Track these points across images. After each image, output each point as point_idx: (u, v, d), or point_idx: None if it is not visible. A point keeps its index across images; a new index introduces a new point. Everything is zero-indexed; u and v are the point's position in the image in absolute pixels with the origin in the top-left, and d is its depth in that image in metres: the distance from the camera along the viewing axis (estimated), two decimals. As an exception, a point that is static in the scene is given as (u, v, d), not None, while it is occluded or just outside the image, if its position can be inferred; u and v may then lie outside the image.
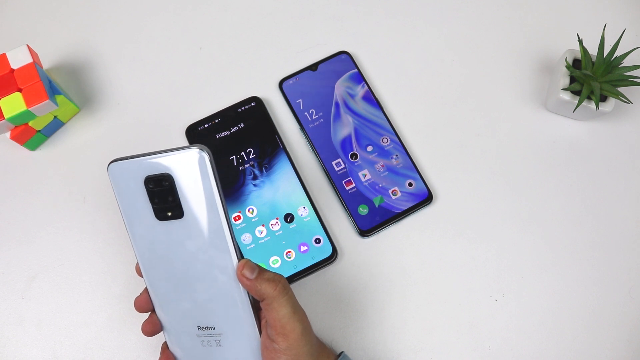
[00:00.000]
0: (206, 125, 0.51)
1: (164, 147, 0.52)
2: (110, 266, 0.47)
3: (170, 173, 0.31)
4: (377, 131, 0.51)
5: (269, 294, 0.33)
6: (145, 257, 0.34)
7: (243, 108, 0.51)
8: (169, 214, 0.32)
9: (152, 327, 0.36)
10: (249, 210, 0.48)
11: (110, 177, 0.32)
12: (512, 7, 0.57)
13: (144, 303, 0.36)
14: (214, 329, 0.35)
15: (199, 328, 0.35)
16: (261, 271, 0.34)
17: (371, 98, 0.52)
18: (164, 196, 0.31)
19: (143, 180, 0.31)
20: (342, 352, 0.40)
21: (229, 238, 0.32)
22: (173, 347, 0.36)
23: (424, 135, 0.51)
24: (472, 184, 0.50)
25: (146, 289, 0.35)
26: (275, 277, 0.34)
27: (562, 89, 0.49)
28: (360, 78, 0.53)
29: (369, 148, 0.50)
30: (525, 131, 0.52)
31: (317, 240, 0.47)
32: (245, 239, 0.47)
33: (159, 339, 0.37)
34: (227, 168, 0.49)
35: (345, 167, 0.49)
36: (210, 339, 0.35)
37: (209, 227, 0.32)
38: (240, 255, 0.33)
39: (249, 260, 0.33)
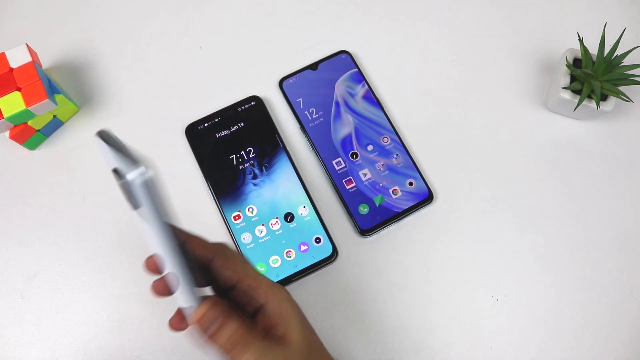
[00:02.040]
0: (206, 125, 0.50)
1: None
2: (110, 266, 0.47)
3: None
4: (377, 130, 0.50)
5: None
6: None
7: (243, 107, 0.51)
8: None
9: (163, 288, 0.32)
10: (248, 210, 0.47)
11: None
12: (512, 7, 0.57)
13: (163, 288, 0.32)
14: None
15: None
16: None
17: (371, 97, 0.52)
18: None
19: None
20: None
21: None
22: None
23: (424, 135, 0.51)
24: (472, 183, 0.50)
25: (164, 277, 0.31)
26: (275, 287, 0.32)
27: (563, 88, 0.49)
28: (360, 77, 0.52)
29: (370, 147, 0.50)
30: (526, 131, 0.52)
31: (317, 240, 0.47)
32: (245, 238, 0.47)
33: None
34: (227, 167, 0.49)
35: (345, 167, 0.49)
36: None
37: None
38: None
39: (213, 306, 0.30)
